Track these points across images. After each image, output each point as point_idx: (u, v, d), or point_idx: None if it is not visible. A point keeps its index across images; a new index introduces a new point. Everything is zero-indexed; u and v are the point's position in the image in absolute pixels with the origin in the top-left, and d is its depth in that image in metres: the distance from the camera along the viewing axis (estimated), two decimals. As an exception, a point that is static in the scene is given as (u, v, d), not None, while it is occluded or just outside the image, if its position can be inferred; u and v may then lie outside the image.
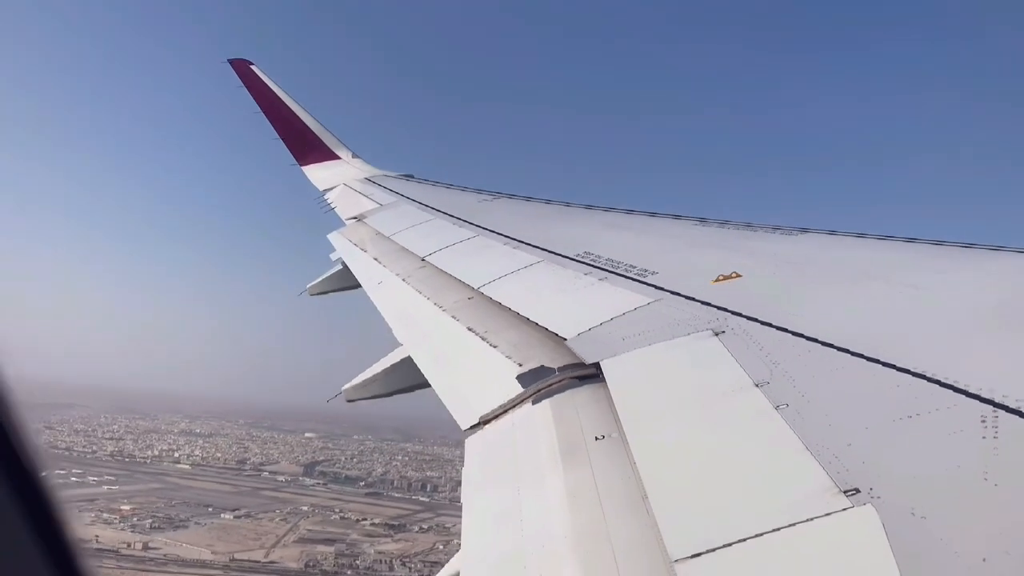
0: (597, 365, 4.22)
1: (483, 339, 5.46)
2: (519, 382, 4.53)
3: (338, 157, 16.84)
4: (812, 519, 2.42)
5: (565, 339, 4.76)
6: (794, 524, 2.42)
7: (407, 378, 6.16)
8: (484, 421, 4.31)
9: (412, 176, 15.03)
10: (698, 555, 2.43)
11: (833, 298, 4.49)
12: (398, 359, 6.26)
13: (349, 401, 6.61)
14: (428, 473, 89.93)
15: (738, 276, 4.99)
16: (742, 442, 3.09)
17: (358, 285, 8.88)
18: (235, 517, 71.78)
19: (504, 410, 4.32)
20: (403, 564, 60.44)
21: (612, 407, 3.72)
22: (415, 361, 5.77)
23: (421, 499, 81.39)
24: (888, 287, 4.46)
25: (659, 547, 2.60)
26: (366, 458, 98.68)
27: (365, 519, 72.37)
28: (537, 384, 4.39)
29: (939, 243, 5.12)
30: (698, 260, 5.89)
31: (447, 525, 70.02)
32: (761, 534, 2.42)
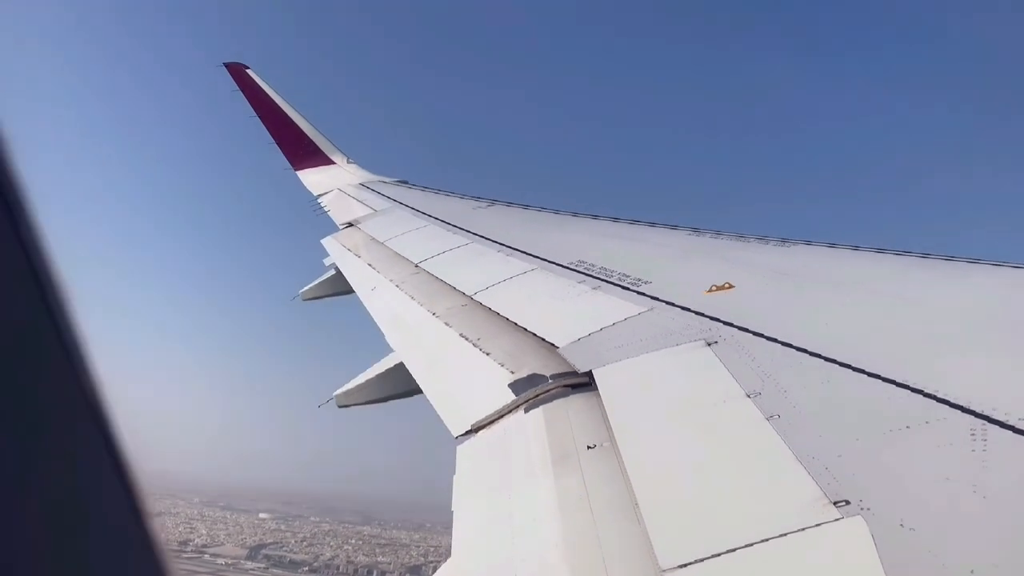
0: (590, 374, 4.22)
1: (476, 346, 5.46)
2: (511, 389, 4.53)
3: (333, 162, 16.84)
4: (802, 530, 2.43)
5: (558, 347, 4.77)
6: (784, 535, 2.43)
7: (399, 384, 6.16)
8: (476, 428, 4.31)
9: (407, 182, 15.04)
10: (687, 565, 2.43)
11: (826, 309, 4.51)
12: (391, 365, 6.25)
13: (341, 407, 6.60)
14: (379, 559, 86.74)
15: (731, 287, 5.01)
16: (733, 452, 3.10)
17: (351, 291, 8.87)
18: None
19: (496, 417, 4.32)
20: None
21: (604, 416, 3.73)
22: (407, 367, 5.77)
23: None
24: (881, 299, 4.49)
25: (649, 556, 2.60)
26: (317, 541, 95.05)
27: None
28: (529, 392, 4.40)
29: (931, 256, 5.16)
30: (692, 270, 5.91)
31: None
32: (751, 544, 2.43)
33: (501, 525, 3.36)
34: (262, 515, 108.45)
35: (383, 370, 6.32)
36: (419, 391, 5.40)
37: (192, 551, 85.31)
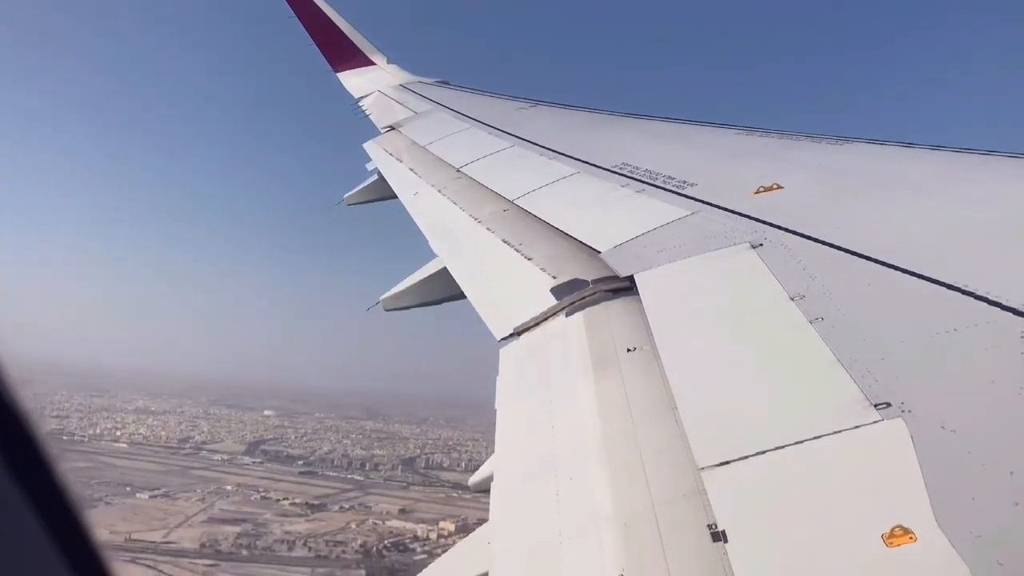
0: (631, 278, 4.21)
1: (518, 251, 5.47)
2: (553, 294, 4.56)
3: (373, 63, 16.56)
4: (840, 431, 2.44)
5: (600, 252, 4.75)
6: (821, 436, 2.45)
7: (443, 289, 6.24)
8: (518, 332, 4.37)
9: (448, 82, 14.75)
10: (725, 463, 2.48)
11: (876, 210, 4.37)
12: (435, 270, 6.33)
13: (387, 311, 6.74)
14: (375, 452, 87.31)
15: (779, 188, 4.87)
16: (773, 355, 3.09)
17: (395, 195, 8.89)
18: (150, 497, 67.96)
19: (538, 321, 4.37)
20: (304, 544, 58.26)
21: (645, 320, 3.74)
22: (451, 272, 5.83)
23: (356, 478, 78.70)
24: (935, 199, 4.33)
25: (686, 455, 2.66)
26: (318, 436, 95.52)
27: (287, 499, 69.29)
28: (571, 296, 4.42)
29: (991, 153, 4.91)
30: (738, 171, 5.75)
31: (369, 504, 68.46)
32: (788, 445, 2.46)
33: (542, 424, 3.46)
34: (267, 412, 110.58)
35: (427, 275, 6.40)
36: (462, 295, 5.47)
37: (190, 448, 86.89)
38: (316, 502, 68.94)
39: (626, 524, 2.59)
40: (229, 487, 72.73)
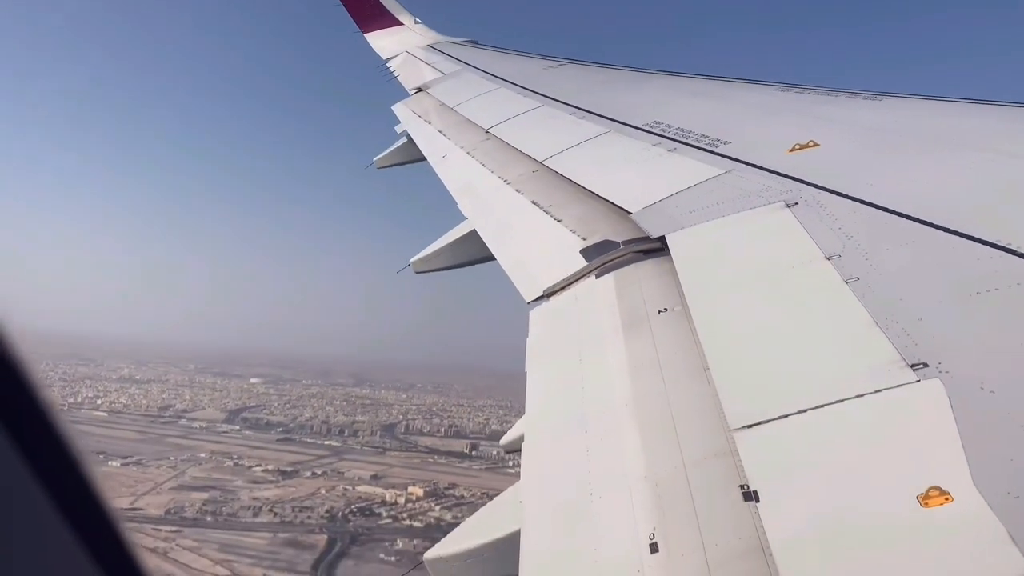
0: (662, 239, 4.17)
1: (547, 213, 5.44)
2: (583, 256, 4.53)
3: (400, 23, 16.40)
4: (876, 392, 2.41)
5: (631, 213, 4.70)
6: (857, 396, 2.42)
7: (473, 251, 6.24)
8: (548, 294, 4.37)
9: (476, 42, 14.57)
10: (757, 424, 2.47)
11: (915, 167, 4.26)
12: (464, 232, 6.32)
13: (417, 272, 6.77)
14: (357, 418, 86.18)
15: (815, 145, 4.76)
16: (807, 315, 3.05)
17: (424, 158, 8.87)
18: (122, 464, 66.90)
19: (568, 283, 4.36)
20: (270, 510, 58.26)
21: (677, 281, 3.71)
22: (480, 235, 5.82)
23: (333, 444, 77.94)
24: (976, 155, 4.19)
25: (719, 416, 2.65)
26: (302, 403, 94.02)
27: (260, 465, 68.51)
28: (601, 258, 4.39)
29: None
30: (773, 129, 5.63)
31: (342, 471, 68.05)
32: (822, 406, 2.44)
33: (572, 385, 3.47)
34: (253, 380, 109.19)
35: (457, 237, 6.40)
36: (492, 258, 5.47)
37: (169, 416, 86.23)
38: (289, 468, 68.79)
39: (657, 484, 2.60)
40: (203, 455, 72.10)
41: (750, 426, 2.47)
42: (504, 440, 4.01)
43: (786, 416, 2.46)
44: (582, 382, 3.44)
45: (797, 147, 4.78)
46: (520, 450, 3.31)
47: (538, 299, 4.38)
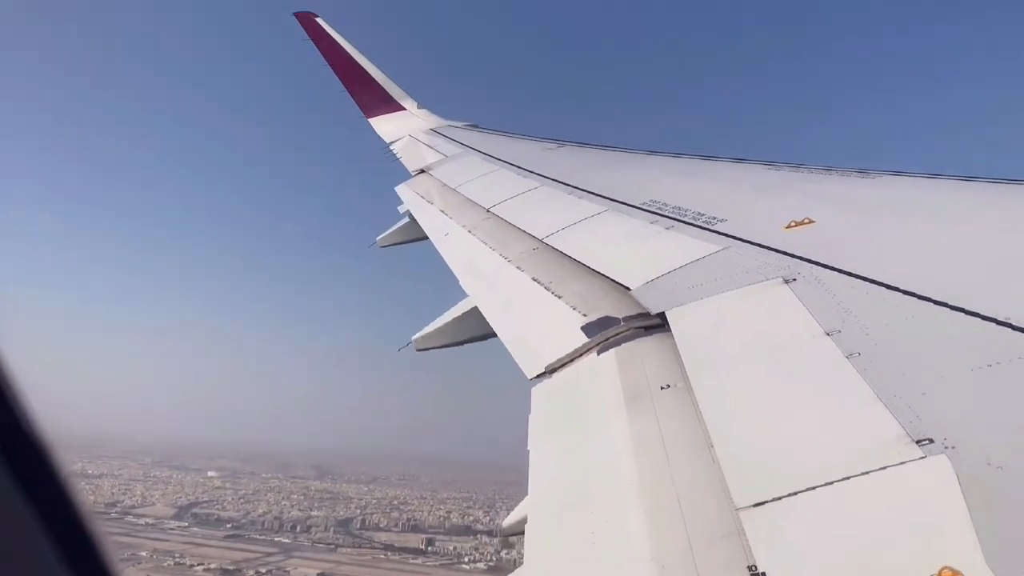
0: (663, 315, 4.19)
1: (548, 289, 5.48)
2: (584, 332, 4.55)
3: (404, 108, 16.90)
4: (882, 469, 2.38)
5: (630, 289, 4.74)
6: (863, 474, 2.39)
7: (474, 328, 6.26)
8: (550, 370, 4.36)
9: (477, 126, 14.98)
10: (764, 503, 2.43)
11: (912, 243, 4.32)
12: (466, 309, 6.36)
13: (419, 350, 6.77)
14: (312, 513, 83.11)
15: (811, 222, 4.84)
16: (811, 391, 3.05)
17: (425, 237, 8.99)
18: None
19: (569, 360, 4.36)
20: None
21: (678, 357, 3.71)
22: (482, 311, 5.85)
23: (283, 540, 75.01)
24: (967, 230, 4.26)
25: (724, 495, 2.61)
26: (257, 497, 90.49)
27: (202, 564, 65.04)
28: (602, 334, 4.41)
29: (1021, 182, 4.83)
30: (768, 206, 5.73)
31: (288, 569, 65.01)
32: (829, 483, 2.40)
33: (576, 464, 3.43)
34: (211, 473, 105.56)
35: (459, 314, 6.43)
36: (493, 334, 5.48)
37: (116, 513, 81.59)
38: (232, 567, 65.58)
39: (664, 566, 2.54)
40: (144, 553, 68.37)
41: (757, 505, 2.43)
42: (506, 523, 3.93)
43: (794, 494, 2.42)
44: (586, 460, 3.40)
45: (793, 224, 4.86)
46: (521, 533, 3.24)
47: (540, 376, 4.37)
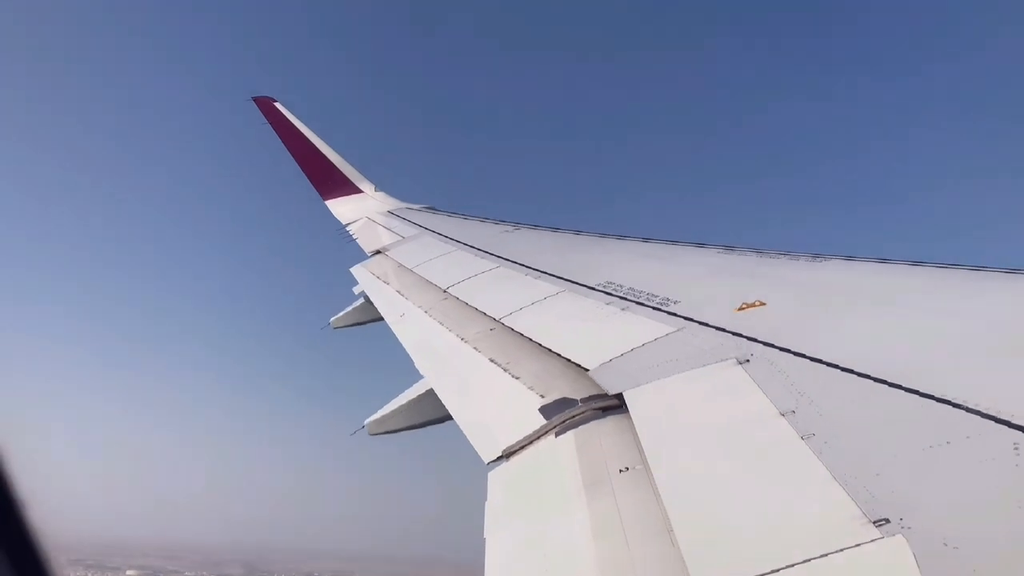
0: (620, 396, 4.19)
1: (505, 370, 5.45)
2: (542, 414, 4.51)
3: (361, 191, 17.05)
4: (840, 550, 2.37)
5: (588, 370, 4.74)
6: (823, 556, 2.37)
7: (430, 411, 6.16)
8: (507, 454, 4.28)
9: (434, 208, 15.16)
10: (725, 588, 2.38)
11: (860, 325, 4.43)
12: (421, 392, 6.26)
13: (372, 435, 6.61)
14: None
15: (762, 304, 4.95)
16: (768, 473, 3.04)
17: (381, 318, 8.93)
18: None
19: (527, 442, 4.30)
20: None
21: (636, 438, 3.69)
22: (437, 393, 5.77)
23: None
24: (916, 313, 4.40)
25: (685, 580, 2.55)
26: None
27: None
28: (560, 416, 4.37)
29: (966, 268, 5.05)
30: (721, 288, 5.86)
31: None
32: (790, 565, 2.38)
33: (534, 551, 3.33)
34: (130, 572, 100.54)
35: (413, 397, 6.33)
36: (449, 417, 5.39)
37: None
38: None
39: (625, 658, 2.45)
40: None
41: (718, 590, 2.39)
42: None
43: (754, 579, 2.38)
44: (544, 546, 3.31)
45: (745, 306, 4.96)
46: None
47: (497, 460, 4.29)
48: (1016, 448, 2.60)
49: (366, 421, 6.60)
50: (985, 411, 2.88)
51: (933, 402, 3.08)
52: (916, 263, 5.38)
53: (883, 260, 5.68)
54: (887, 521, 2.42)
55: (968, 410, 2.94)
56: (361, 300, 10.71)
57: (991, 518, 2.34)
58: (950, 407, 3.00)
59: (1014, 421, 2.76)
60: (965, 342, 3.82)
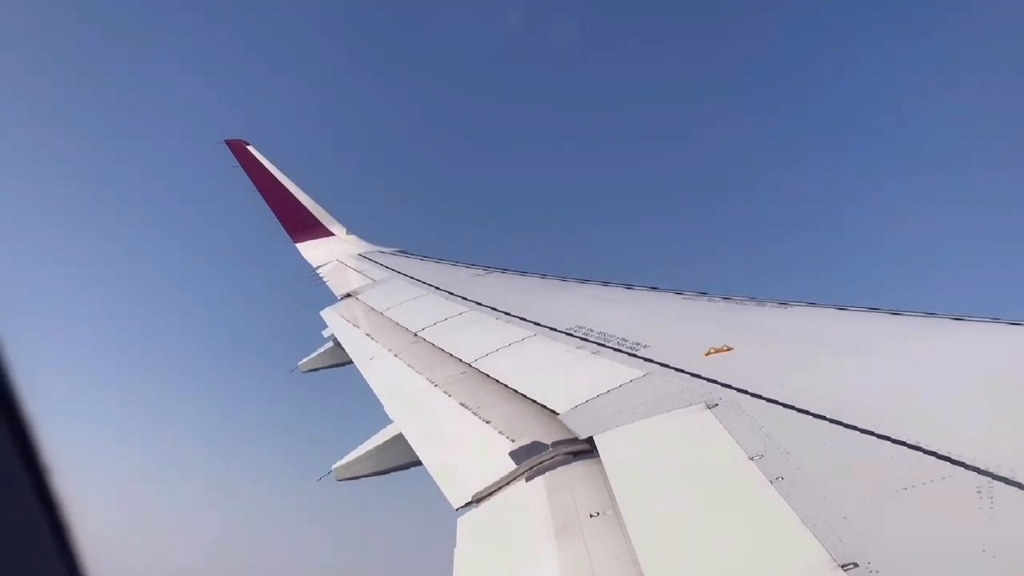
0: (591, 440, 4.18)
1: (475, 414, 5.42)
2: (512, 458, 4.48)
3: (332, 234, 17.04)
4: None
5: (558, 414, 4.74)
6: None
7: (399, 456, 6.08)
8: (476, 499, 4.23)
9: (406, 251, 15.18)
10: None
11: (825, 370, 4.50)
12: (390, 436, 6.19)
13: (339, 480, 6.50)
14: None
15: (729, 349, 5.01)
16: (737, 517, 3.05)
17: (350, 361, 8.84)
18: None
19: (497, 488, 4.25)
20: None
21: (607, 483, 3.68)
22: (406, 438, 5.70)
23: None
24: (881, 359, 4.48)
25: (656, 628, 2.53)
26: None
27: None
28: (530, 460, 4.34)
29: (928, 315, 5.17)
30: (689, 333, 5.92)
31: None
32: None
33: (504, 599, 3.27)
34: None
35: (382, 441, 6.25)
36: (419, 462, 5.32)
37: None
38: None
39: None
40: None
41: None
42: None
43: (725, 626, 2.37)
44: (514, 595, 3.26)
45: (712, 351, 5.02)
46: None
47: (467, 505, 4.23)
48: (980, 492, 2.64)
49: (333, 466, 6.49)
50: (948, 455, 2.93)
51: (899, 446, 3.13)
52: (878, 310, 5.50)
53: (843, 307, 5.80)
54: (855, 565, 2.43)
55: (932, 454, 2.98)
56: (330, 343, 10.62)
57: (956, 562, 2.36)
58: (914, 451, 3.05)
59: (977, 465, 2.81)
60: (929, 387, 3.89)
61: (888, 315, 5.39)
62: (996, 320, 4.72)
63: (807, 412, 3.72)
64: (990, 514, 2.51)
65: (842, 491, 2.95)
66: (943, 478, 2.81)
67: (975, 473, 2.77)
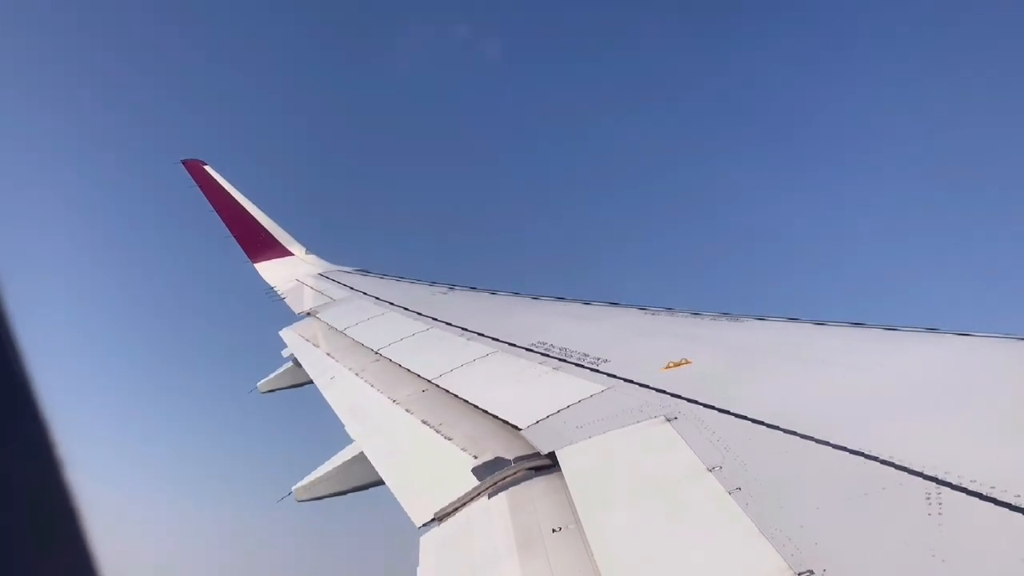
0: (553, 455, 4.20)
1: (437, 432, 5.40)
2: (474, 475, 4.47)
3: (291, 253, 16.88)
4: None
5: (520, 429, 4.75)
6: None
7: (360, 476, 6.02)
8: (439, 517, 4.22)
9: (367, 270, 15.10)
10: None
11: (780, 382, 4.59)
12: (350, 456, 6.13)
13: (299, 502, 6.40)
14: None
15: (688, 363, 5.08)
16: (697, 528, 3.09)
17: (310, 381, 8.74)
18: None
19: (460, 504, 4.24)
20: None
21: (569, 497, 3.70)
22: (368, 457, 5.66)
23: None
24: (833, 370, 4.59)
25: (619, 640, 2.54)
26: None
27: None
28: (492, 477, 4.34)
29: (878, 327, 5.32)
30: (648, 348, 5.99)
31: None
32: None
33: (467, 616, 3.26)
34: None
35: (342, 461, 6.18)
36: (381, 482, 5.28)
37: None
38: None
39: None
40: None
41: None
42: None
43: (686, 636, 2.40)
44: (476, 611, 3.25)
45: (671, 364, 5.09)
46: None
47: (429, 523, 4.21)
48: (928, 498, 2.72)
49: (293, 487, 6.40)
50: (899, 463, 3.02)
51: (850, 455, 3.21)
52: (828, 323, 5.64)
53: (796, 320, 5.94)
54: (811, 573, 2.48)
55: (883, 462, 3.07)
56: (290, 363, 10.49)
57: (906, 567, 2.43)
58: (866, 459, 3.13)
59: (926, 472, 2.90)
60: (879, 397, 4.00)
61: (839, 327, 5.53)
62: (939, 331, 4.87)
63: (762, 423, 3.79)
64: (938, 519, 2.59)
65: (798, 500, 3.01)
66: (894, 485, 2.89)
67: (923, 479, 2.86)
